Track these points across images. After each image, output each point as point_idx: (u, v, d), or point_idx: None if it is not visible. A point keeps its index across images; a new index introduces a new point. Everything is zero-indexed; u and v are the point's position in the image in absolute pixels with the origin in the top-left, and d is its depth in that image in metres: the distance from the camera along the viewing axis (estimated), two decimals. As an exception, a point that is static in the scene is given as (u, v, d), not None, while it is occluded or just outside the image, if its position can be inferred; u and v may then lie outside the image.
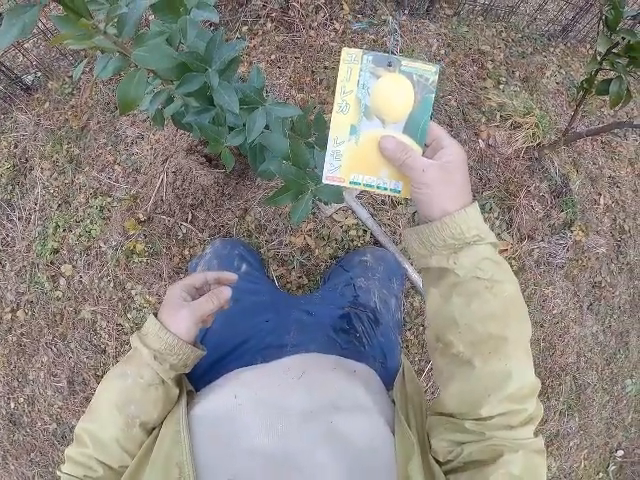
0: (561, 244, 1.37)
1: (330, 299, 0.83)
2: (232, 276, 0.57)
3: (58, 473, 0.48)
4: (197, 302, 0.51)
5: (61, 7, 0.37)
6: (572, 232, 1.38)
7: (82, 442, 0.47)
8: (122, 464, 0.46)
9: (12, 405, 1.34)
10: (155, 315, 0.51)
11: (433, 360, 0.46)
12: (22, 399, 1.34)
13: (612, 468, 1.57)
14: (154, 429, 0.49)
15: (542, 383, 1.41)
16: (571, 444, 1.47)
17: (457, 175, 0.40)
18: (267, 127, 0.60)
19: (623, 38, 0.88)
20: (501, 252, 1.32)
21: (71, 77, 1.41)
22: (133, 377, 0.48)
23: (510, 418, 0.38)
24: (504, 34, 1.55)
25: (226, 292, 0.53)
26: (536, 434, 0.40)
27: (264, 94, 0.58)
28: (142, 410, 0.47)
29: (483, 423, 0.39)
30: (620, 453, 1.59)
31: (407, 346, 1.28)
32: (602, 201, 1.48)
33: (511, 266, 1.34)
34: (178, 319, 0.49)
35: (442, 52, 1.45)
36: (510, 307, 0.40)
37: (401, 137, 0.41)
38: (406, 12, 1.47)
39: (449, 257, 0.40)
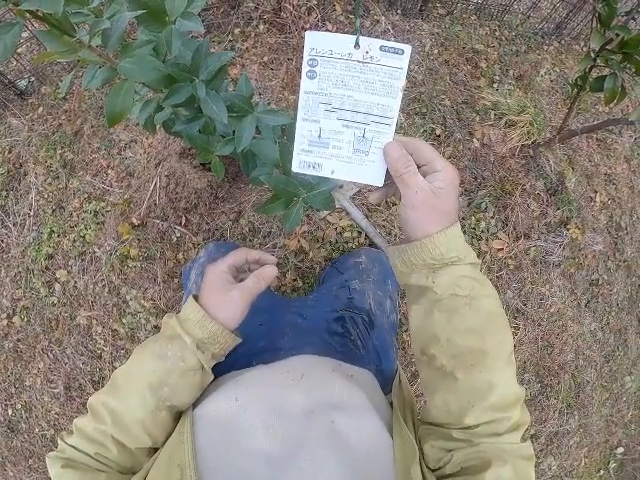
0: (557, 242, 1.37)
1: (325, 302, 0.83)
2: (273, 259, 0.54)
3: (60, 442, 0.45)
4: (245, 284, 0.48)
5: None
6: (568, 230, 1.37)
7: (100, 417, 0.44)
8: (140, 446, 0.45)
9: (9, 412, 1.34)
10: (195, 298, 0.48)
11: (420, 372, 0.47)
12: (19, 405, 1.33)
13: (613, 465, 1.57)
14: (180, 414, 0.48)
15: (541, 382, 1.41)
16: (571, 442, 1.46)
17: (447, 201, 0.40)
18: (258, 132, 0.60)
19: (617, 34, 0.87)
20: (497, 251, 1.31)
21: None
22: (174, 360, 0.45)
23: (496, 426, 0.39)
24: (498, 33, 1.55)
25: (272, 271, 0.50)
26: (524, 440, 0.41)
27: (254, 100, 0.57)
28: (175, 394, 0.45)
29: (469, 431, 0.40)
30: (620, 450, 1.59)
31: (403, 347, 1.27)
32: (598, 198, 1.48)
33: (507, 265, 1.34)
34: (227, 303, 0.47)
35: (435, 52, 1.45)
36: (489, 321, 0.42)
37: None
38: (399, 12, 1.46)
39: (428, 276, 0.42)
